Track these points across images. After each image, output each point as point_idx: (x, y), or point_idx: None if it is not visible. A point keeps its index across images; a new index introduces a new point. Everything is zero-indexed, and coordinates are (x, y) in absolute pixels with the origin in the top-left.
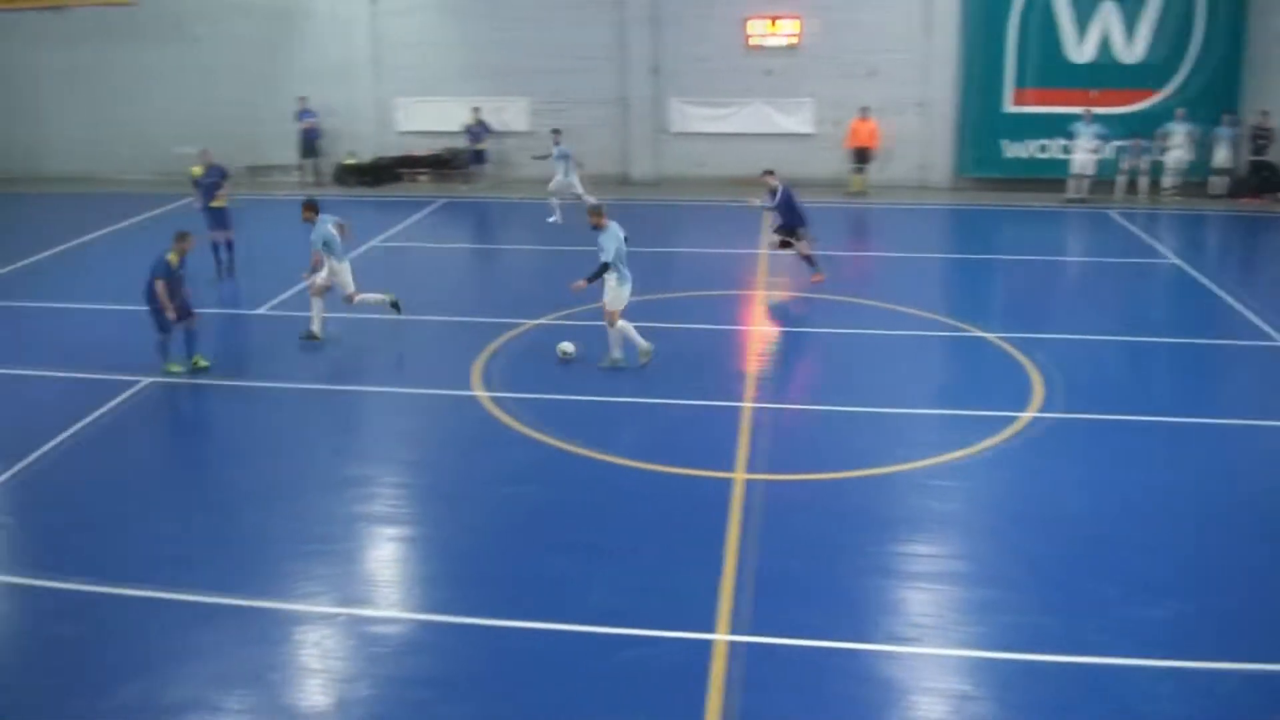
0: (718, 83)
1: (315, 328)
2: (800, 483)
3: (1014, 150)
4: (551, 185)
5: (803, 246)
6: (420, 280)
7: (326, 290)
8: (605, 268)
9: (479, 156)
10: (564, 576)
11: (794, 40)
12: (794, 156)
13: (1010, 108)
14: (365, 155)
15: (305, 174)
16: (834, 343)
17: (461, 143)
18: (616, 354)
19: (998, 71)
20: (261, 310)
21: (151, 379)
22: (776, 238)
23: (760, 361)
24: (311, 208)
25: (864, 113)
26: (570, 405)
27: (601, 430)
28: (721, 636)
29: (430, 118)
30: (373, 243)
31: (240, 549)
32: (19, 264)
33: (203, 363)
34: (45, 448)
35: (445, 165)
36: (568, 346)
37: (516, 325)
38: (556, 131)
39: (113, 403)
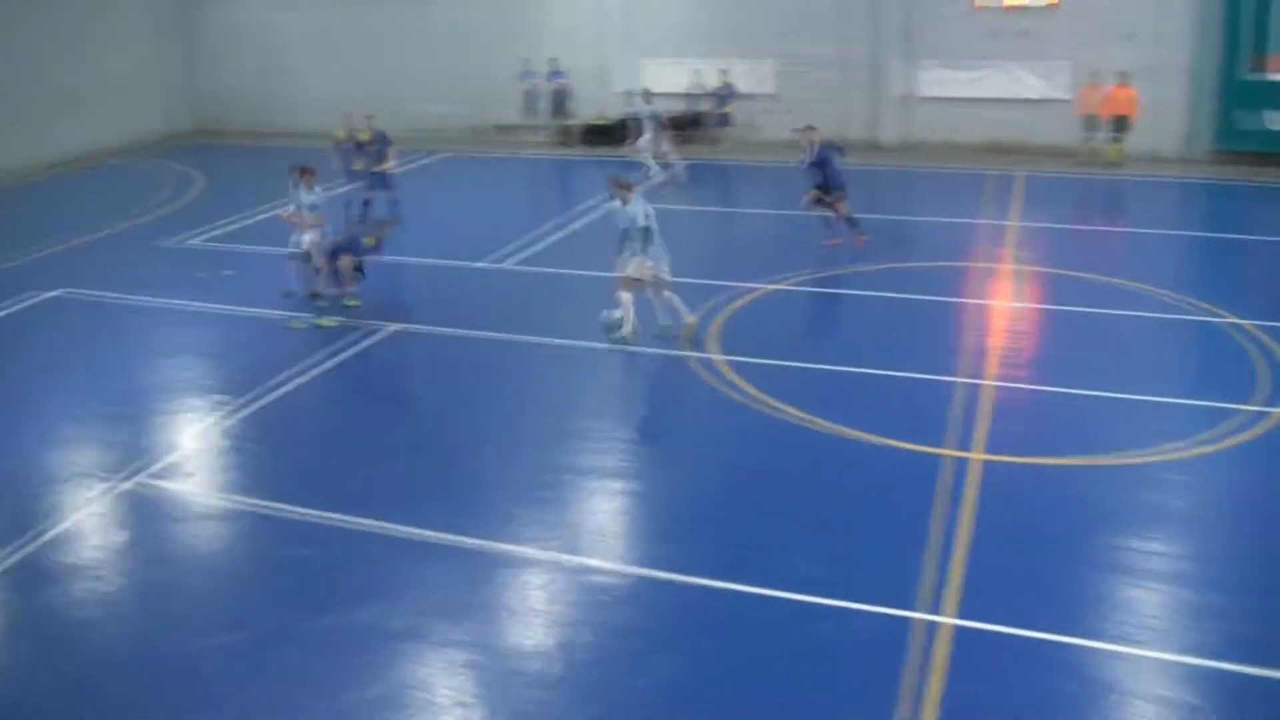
0: (970, 45)
1: (626, 330)
2: (1024, 465)
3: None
4: (640, 143)
5: (841, 208)
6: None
7: (642, 285)
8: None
9: (724, 119)
10: (775, 542)
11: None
12: (1048, 123)
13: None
14: (613, 116)
15: (555, 134)
16: (1072, 321)
17: (706, 105)
18: (626, 328)
19: (1263, 38)
20: (483, 264)
21: (397, 325)
22: (812, 194)
23: (993, 336)
24: (624, 185)
25: (1122, 78)
26: (797, 372)
27: (826, 398)
28: (925, 616)
29: (677, 79)
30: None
31: (467, 491)
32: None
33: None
34: (294, 384)
35: (689, 126)
36: (616, 314)
37: (753, 289)
38: (647, 92)
39: (358, 346)
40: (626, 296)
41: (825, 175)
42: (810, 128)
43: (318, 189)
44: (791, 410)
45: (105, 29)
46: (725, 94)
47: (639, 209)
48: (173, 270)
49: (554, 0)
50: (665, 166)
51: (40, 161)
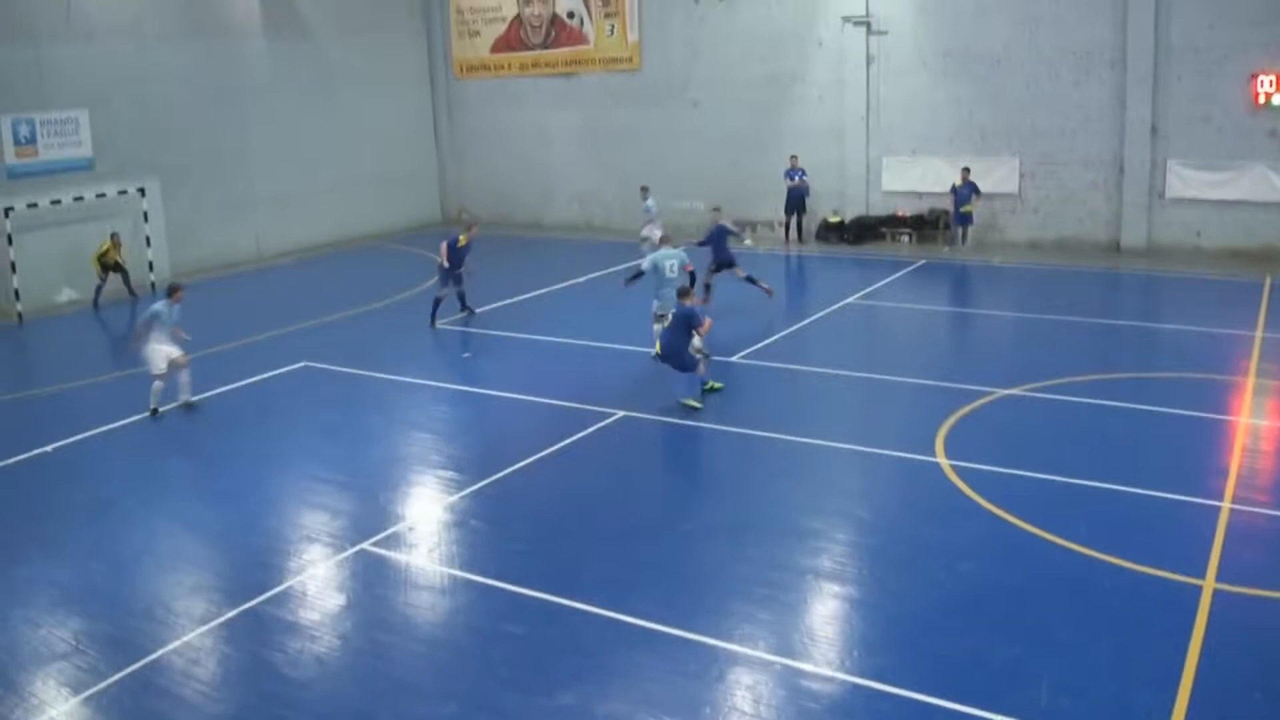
0: (1219, 144)
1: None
2: (1261, 599)
3: None
4: (644, 232)
5: (739, 273)
6: (889, 339)
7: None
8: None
9: (963, 218)
10: (1006, 664)
11: None
12: None
13: None
14: (849, 214)
15: (790, 231)
16: None
17: (946, 203)
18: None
19: None
20: (734, 358)
21: (624, 412)
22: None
23: (1244, 456)
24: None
25: None
26: (1033, 483)
27: (1062, 512)
28: None
29: (916, 177)
30: (848, 299)
31: (686, 582)
32: (515, 299)
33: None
34: (520, 464)
35: (928, 225)
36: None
37: (987, 393)
38: (645, 189)
39: (585, 431)
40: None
41: (715, 253)
42: (715, 209)
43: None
44: (1021, 522)
45: (380, 123)
46: (966, 192)
47: (667, 256)
48: (414, 349)
49: (796, 99)
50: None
51: (311, 243)
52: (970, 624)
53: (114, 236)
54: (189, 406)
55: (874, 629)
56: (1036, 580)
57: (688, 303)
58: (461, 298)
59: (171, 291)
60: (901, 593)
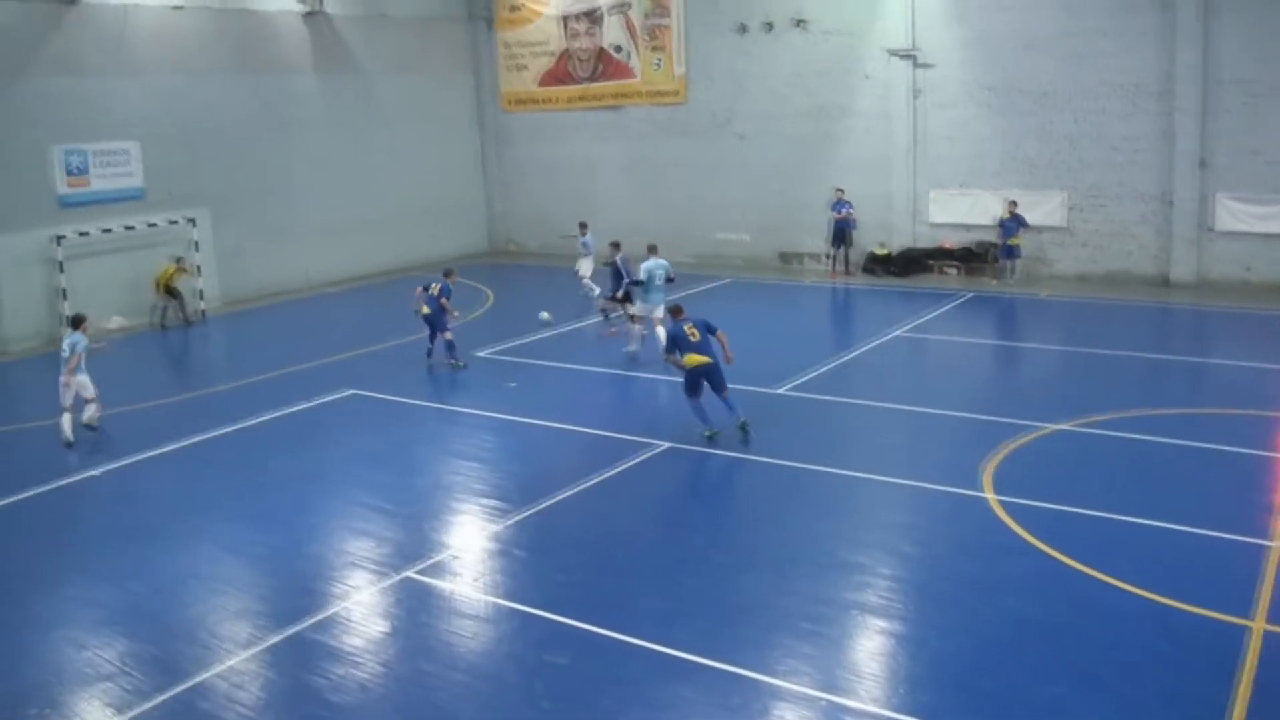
0: (1269, 178)
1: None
2: None
3: None
4: (578, 267)
5: (628, 307)
6: (935, 373)
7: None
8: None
9: (1011, 251)
10: (1051, 702)
11: None
12: None
13: None
14: (896, 246)
15: (836, 262)
16: None
17: (993, 236)
18: (632, 346)
19: None
20: (756, 388)
21: (669, 443)
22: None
23: None
24: (651, 247)
25: None
26: (1080, 519)
27: (1109, 549)
28: None
29: (963, 210)
30: (895, 333)
31: (729, 615)
32: (561, 329)
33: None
34: (564, 494)
35: (975, 258)
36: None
37: (1034, 428)
38: (583, 224)
39: (629, 462)
40: (635, 329)
41: (615, 282)
42: (615, 244)
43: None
44: (1067, 558)
45: (428, 155)
46: (1013, 225)
47: (656, 264)
48: (460, 378)
49: (843, 132)
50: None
51: (359, 272)
52: (1015, 661)
53: (178, 261)
54: (92, 429)
55: (919, 665)
56: (1082, 618)
57: (678, 319)
58: (448, 346)
59: (77, 323)
60: (947, 629)
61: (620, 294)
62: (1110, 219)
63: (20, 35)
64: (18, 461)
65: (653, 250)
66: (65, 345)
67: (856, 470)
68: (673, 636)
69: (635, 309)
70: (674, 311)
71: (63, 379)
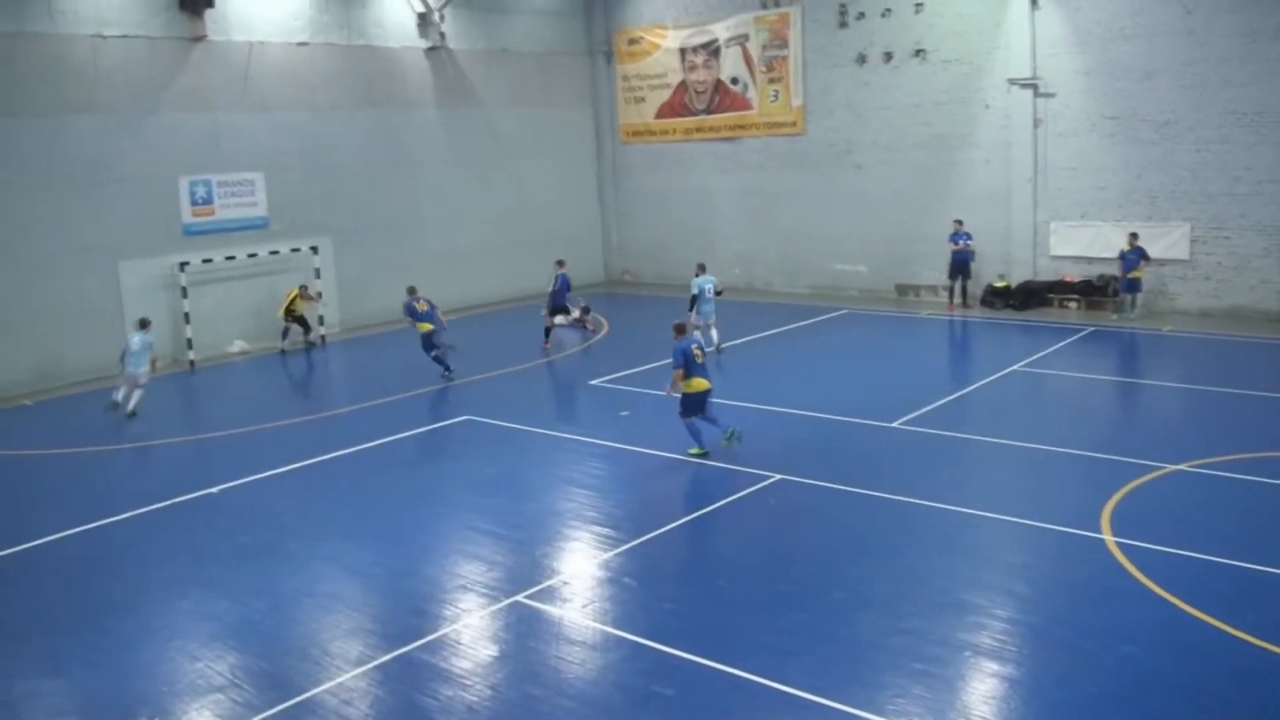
0: None
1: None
2: None
3: None
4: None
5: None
6: (1055, 408)
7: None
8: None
9: (1132, 284)
10: None
11: None
12: None
13: None
14: (1015, 278)
15: (954, 295)
16: None
17: (1115, 269)
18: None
19: None
20: (894, 424)
21: (780, 475)
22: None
23: None
24: (700, 265)
25: None
26: (1202, 565)
27: (1232, 598)
28: None
29: (1085, 242)
30: (1013, 367)
31: (839, 651)
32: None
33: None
34: (675, 523)
35: (1096, 292)
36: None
37: (1156, 468)
38: (560, 261)
39: (741, 493)
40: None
41: (554, 300)
42: (560, 262)
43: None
44: (1189, 607)
45: (547, 186)
46: (1134, 258)
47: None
48: (574, 406)
49: (962, 162)
50: (580, 318)
51: (478, 301)
52: (1134, 714)
53: (302, 289)
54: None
55: (1033, 712)
56: (1203, 670)
57: (680, 339)
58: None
59: (145, 324)
60: (1063, 677)
61: (548, 309)
62: (1233, 252)
63: (151, 72)
64: (139, 479)
65: (701, 269)
66: (142, 342)
67: (971, 507)
68: (781, 671)
69: (695, 320)
70: (678, 330)
71: (143, 378)
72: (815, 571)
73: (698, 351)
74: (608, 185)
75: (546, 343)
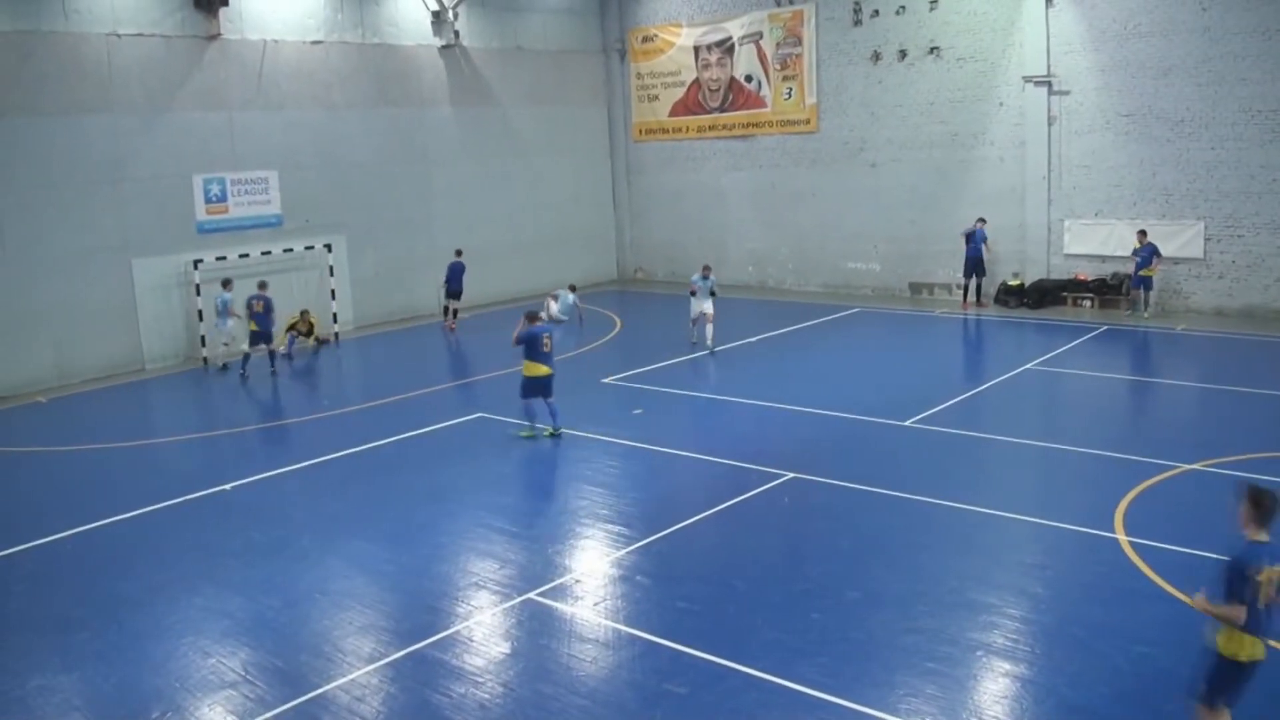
0: None
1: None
2: None
3: None
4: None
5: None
6: (1068, 407)
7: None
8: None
9: (1143, 281)
10: None
11: None
12: None
13: None
14: (1030, 277)
15: (968, 293)
16: None
17: (1129, 267)
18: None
19: None
20: (907, 423)
21: (793, 474)
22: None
23: None
24: (707, 267)
25: None
26: (1216, 565)
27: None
28: None
29: (1099, 240)
30: (1027, 365)
31: (852, 650)
32: (686, 357)
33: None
34: (687, 522)
35: (1110, 290)
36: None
37: (1169, 467)
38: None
39: (754, 491)
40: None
41: (450, 284)
42: (458, 251)
43: None
44: None
45: (560, 185)
46: (1146, 255)
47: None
48: (586, 404)
49: (977, 160)
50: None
51: (491, 298)
52: (1147, 715)
53: (304, 314)
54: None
55: (1045, 712)
56: None
57: (533, 325)
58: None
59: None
60: (1076, 677)
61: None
62: (1248, 250)
63: (166, 70)
64: (151, 476)
65: (707, 269)
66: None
67: (984, 506)
68: (794, 670)
69: (706, 307)
70: (530, 317)
71: (231, 322)
72: (828, 570)
73: (547, 340)
74: (621, 183)
75: (450, 323)
